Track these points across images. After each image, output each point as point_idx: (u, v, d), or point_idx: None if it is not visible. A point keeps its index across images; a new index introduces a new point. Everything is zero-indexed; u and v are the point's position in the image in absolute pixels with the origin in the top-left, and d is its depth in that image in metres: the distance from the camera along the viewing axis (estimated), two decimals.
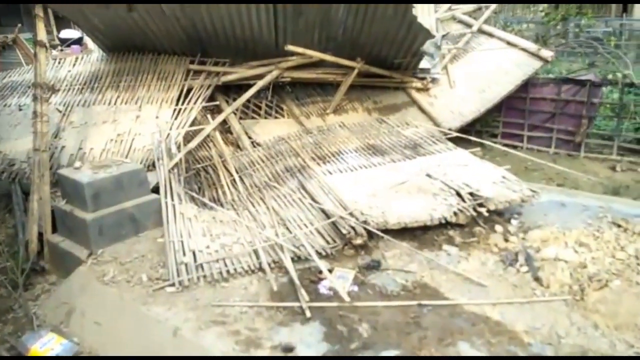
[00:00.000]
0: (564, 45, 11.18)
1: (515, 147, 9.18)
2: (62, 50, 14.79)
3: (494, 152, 8.57)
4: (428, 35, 7.78)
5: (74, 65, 8.69)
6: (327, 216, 5.25)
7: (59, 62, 8.92)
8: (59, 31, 17.69)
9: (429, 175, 5.83)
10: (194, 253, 4.71)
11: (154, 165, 6.37)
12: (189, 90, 8.11)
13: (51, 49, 16.59)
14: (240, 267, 4.56)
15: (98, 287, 4.41)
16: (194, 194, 5.89)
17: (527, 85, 9.00)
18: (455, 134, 7.76)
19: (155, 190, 5.77)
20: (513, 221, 5.29)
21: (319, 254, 4.74)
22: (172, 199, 5.52)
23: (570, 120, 8.72)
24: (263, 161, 7.14)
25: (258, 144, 7.77)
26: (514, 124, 9.43)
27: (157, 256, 4.84)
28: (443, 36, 8.22)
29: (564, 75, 8.94)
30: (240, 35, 8.05)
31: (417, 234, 5.10)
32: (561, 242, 4.70)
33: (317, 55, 8.24)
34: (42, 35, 6.09)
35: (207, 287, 4.35)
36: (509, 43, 9.46)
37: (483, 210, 5.13)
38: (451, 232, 5.10)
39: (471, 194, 5.33)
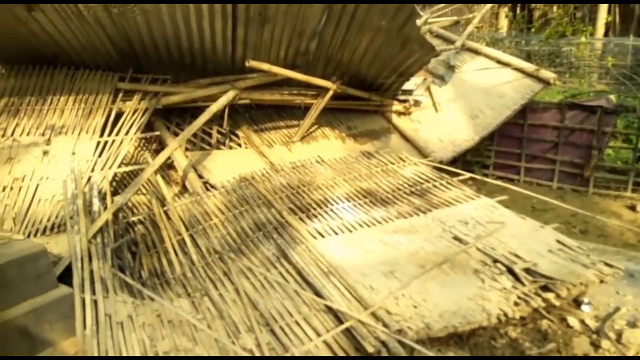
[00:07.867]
0: (565, 66, 10.17)
1: (511, 181, 8.02)
2: None
3: (488, 187, 7.38)
4: (431, 51, 6.27)
5: None
6: (332, 311, 3.58)
7: None
8: None
9: (457, 239, 4.32)
10: None
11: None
12: (118, 116, 6.19)
13: None
14: None
15: None
16: (127, 279, 3.99)
17: (524, 110, 7.84)
18: (447, 168, 6.33)
19: (67, 273, 3.85)
20: (584, 307, 3.86)
21: None
22: (93, 292, 3.62)
23: (576, 151, 7.63)
24: (222, 212, 5.35)
25: (212, 186, 5.97)
26: (508, 153, 8.25)
27: None
28: (456, 52, 6.76)
29: (570, 100, 7.84)
30: (187, 48, 6.24)
31: (461, 333, 3.55)
32: None
33: (285, 73, 6.59)
34: None
35: None
36: (500, 62, 8.26)
37: (550, 297, 3.66)
38: (510, 331, 3.58)
39: (527, 270, 3.86)
